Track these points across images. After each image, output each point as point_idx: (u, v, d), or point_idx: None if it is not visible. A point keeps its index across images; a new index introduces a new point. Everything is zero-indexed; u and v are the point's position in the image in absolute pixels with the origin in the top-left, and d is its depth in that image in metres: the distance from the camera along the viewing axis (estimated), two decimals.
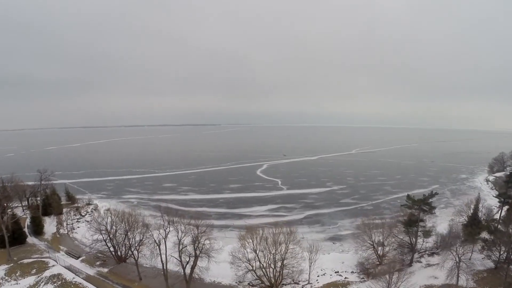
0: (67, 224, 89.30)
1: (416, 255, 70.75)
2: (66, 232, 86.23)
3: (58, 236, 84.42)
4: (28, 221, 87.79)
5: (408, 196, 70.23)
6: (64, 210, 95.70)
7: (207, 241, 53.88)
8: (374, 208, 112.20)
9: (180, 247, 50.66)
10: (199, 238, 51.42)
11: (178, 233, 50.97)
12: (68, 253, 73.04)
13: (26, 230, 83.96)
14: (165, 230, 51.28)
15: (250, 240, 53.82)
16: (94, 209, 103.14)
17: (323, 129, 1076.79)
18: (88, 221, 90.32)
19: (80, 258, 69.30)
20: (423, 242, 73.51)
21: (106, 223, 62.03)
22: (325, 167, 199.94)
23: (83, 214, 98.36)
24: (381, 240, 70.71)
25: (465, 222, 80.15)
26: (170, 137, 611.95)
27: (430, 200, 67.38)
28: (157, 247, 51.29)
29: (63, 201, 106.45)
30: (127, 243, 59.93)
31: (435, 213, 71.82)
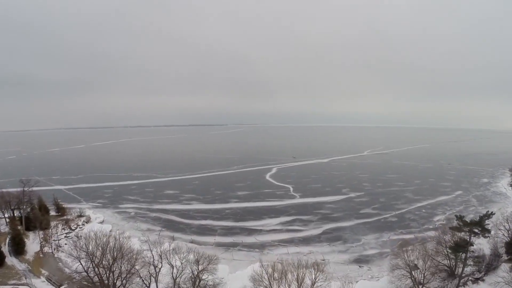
0: (53, 240, 78.57)
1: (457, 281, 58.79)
2: (51, 251, 75.48)
3: (41, 256, 73.66)
4: (8, 238, 77.25)
5: (459, 217, 57.86)
6: (52, 224, 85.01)
7: (210, 277, 42.17)
8: (399, 220, 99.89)
9: None
10: (200, 275, 39.70)
11: (172, 269, 39.25)
12: (49, 280, 62.13)
13: (6, 248, 73.61)
14: (155, 268, 39.59)
15: (266, 277, 41.86)
16: (86, 222, 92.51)
17: (327, 129, 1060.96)
18: (77, 237, 79.95)
19: (62, 287, 58.45)
20: (464, 266, 61.55)
21: (88, 249, 50.63)
22: (339, 171, 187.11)
23: (73, 228, 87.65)
24: (418, 266, 59.09)
25: (508, 240, 68.58)
26: (175, 138, 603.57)
27: (486, 222, 55.10)
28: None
29: (52, 211, 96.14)
30: (112, 276, 48.48)
31: (488, 236, 59.46)
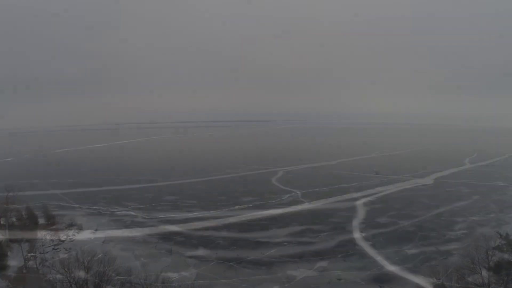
0: (39, 253, 71.79)
1: None
2: (36, 266, 68.68)
3: (24, 272, 66.99)
4: None
5: (504, 236, 49.75)
6: (39, 234, 78.37)
7: None
8: (417, 229, 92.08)
9: None
10: None
11: None
12: None
13: None
14: None
15: None
16: (78, 232, 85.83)
17: (330, 130, 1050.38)
18: (67, 249, 73.13)
19: None
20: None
21: (69, 271, 43.32)
22: (348, 174, 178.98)
23: (62, 239, 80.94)
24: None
25: None
26: (178, 139, 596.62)
27: None
28: None
29: (42, 220, 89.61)
30: None
31: None
